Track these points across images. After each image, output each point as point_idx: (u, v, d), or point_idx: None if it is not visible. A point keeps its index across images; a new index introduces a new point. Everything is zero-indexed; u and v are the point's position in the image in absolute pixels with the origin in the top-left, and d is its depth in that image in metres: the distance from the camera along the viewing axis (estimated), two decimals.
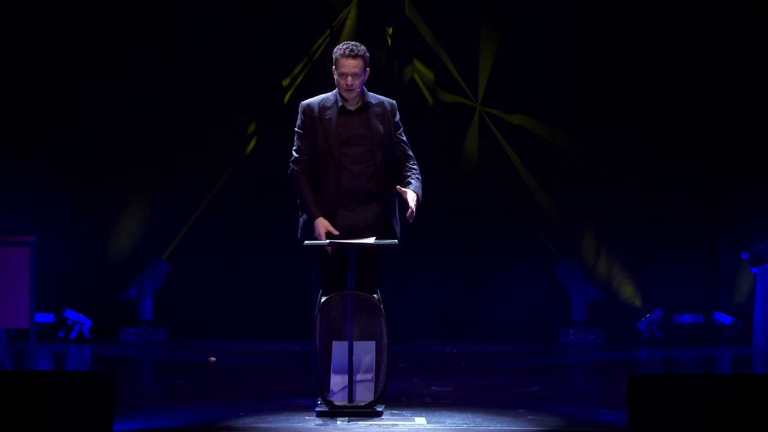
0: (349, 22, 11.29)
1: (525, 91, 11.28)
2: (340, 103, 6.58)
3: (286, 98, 11.25)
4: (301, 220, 6.67)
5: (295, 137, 6.65)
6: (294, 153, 6.64)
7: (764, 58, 11.14)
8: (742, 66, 11.14)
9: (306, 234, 6.58)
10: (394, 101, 6.73)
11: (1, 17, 11.03)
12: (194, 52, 11.26)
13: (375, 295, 6.36)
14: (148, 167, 11.27)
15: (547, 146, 11.33)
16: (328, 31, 11.24)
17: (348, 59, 6.51)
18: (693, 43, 11.15)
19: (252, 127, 11.34)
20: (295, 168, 6.63)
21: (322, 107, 6.59)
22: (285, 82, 11.32)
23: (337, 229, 6.51)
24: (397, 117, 6.68)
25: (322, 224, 6.47)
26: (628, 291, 11.31)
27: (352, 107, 6.59)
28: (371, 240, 6.37)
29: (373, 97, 6.64)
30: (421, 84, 11.25)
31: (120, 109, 11.18)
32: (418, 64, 11.26)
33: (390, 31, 11.26)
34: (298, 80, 11.29)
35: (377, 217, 6.58)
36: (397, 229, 6.65)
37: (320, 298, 6.35)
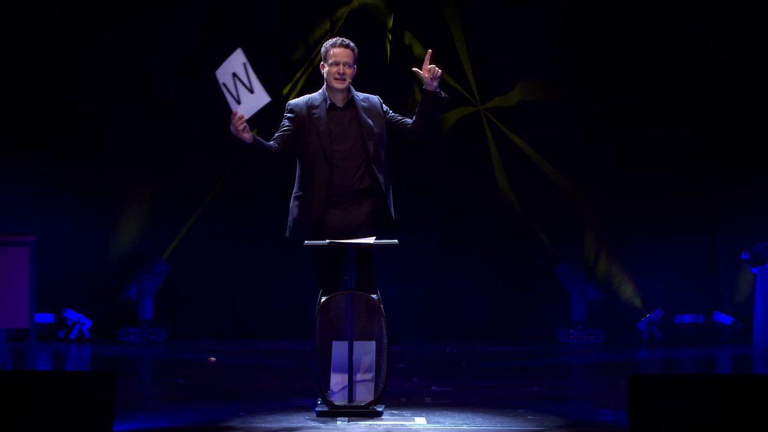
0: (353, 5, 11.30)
1: (512, 60, 11.29)
2: (328, 101, 6.60)
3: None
4: (290, 219, 6.67)
5: (278, 131, 6.65)
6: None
7: (764, 57, 11.14)
8: (744, 66, 11.15)
9: (295, 232, 6.59)
10: (378, 96, 6.75)
11: (1, 15, 11.04)
12: (195, 53, 11.27)
13: (375, 295, 6.36)
14: (149, 167, 11.28)
15: (548, 138, 11.34)
16: (328, 36, 11.25)
17: (340, 48, 6.59)
18: (694, 42, 11.15)
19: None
20: None
21: (310, 106, 6.62)
22: (285, 90, 11.33)
23: (330, 229, 6.51)
24: (386, 107, 6.72)
25: (231, 128, 6.41)
26: (628, 291, 11.31)
27: (339, 104, 6.61)
28: (371, 240, 6.37)
29: (359, 93, 6.68)
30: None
31: (120, 109, 11.18)
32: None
33: (390, 25, 11.27)
34: (299, 86, 11.29)
35: (369, 215, 6.59)
36: (392, 212, 6.64)
37: (320, 298, 6.35)
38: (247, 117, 6.37)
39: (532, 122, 11.36)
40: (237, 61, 6.28)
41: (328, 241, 6.37)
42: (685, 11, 11.14)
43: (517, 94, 11.37)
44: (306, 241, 6.44)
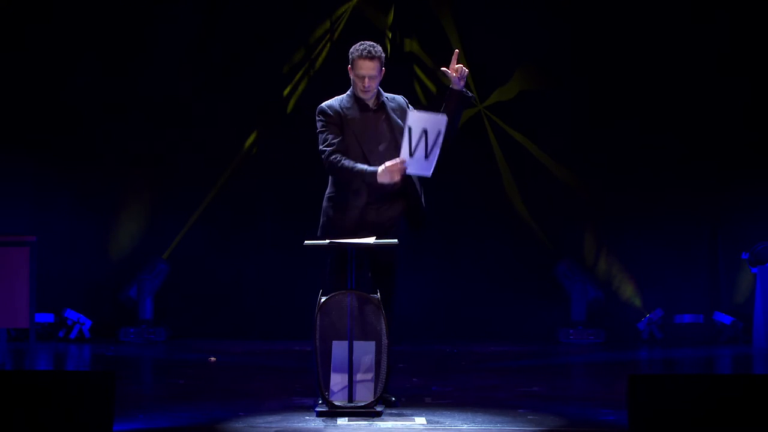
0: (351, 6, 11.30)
1: (509, 50, 11.28)
2: (360, 103, 6.59)
3: (290, 107, 11.28)
4: (323, 219, 6.66)
5: (322, 135, 6.58)
6: (326, 148, 6.54)
7: (764, 57, 11.14)
8: (745, 66, 11.15)
9: (328, 233, 6.56)
10: (402, 95, 6.76)
11: (2, 14, 11.04)
12: (196, 53, 11.27)
13: (375, 295, 6.37)
14: (149, 167, 11.28)
15: (547, 138, 11.34)
16: (328, 36, 11.25)
17: (365, 61, 6.51)
18: (695, 41, 11.15)
19: (252, 138, 11.32)
20: (335, 157, 6.51)
21: (344, 107, 6.59)
22: (285, 92, 11.33)
23: (364, 228, 6.50)
24: (411, 107, 6.72)
25: (387, 169, 6.39)
26: (628, 291, 11.31)
27: (372, 105, 6.59)
28: (371, 240, 6.37)
29: (386, 94, 6.67)
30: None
31: (120, 108, 11.18)
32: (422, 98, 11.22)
33: (390, 35, 11.27)
34: (300, 87, 11.29)
35: (403, 214, 6.62)
36: (425, 211, 6.67)
37: (320, 298, 6.36)
38: (406, 172, 6.37)
39: (533, 121, 11.36)
40: (435, 124, 6.32)
41: (328, 240, 6.38)
42: (685, 9, 11.13)
43: (516, 84, 11.35)
44: (306, 242, 6.44)
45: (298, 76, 11.32)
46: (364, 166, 6.45)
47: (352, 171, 6.46)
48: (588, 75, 11.23)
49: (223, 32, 11.29)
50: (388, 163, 6.36)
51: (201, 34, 11.27)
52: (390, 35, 11.29)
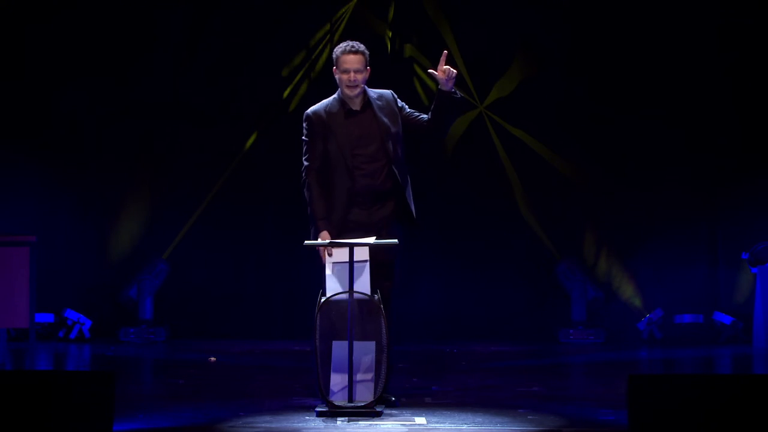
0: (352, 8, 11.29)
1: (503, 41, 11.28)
2: (346, 106, 6.59)
3: (292, 107, 11.28)
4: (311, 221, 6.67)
5: (304, 147, 6.65)
6: (306, 162, 6.65)
7: (763, 57, 11.14)
8: (742, 65, 11.14)
9: (315, 237, 6.58)
10: (391, 90, 6.75)
11: (2, 14, 11.04)
12: (196, 54, 11.27)
13: (375, 296, 6.37)
14: (149, 167, 11.28)
15: (547, 139, 11.35)
16: (328, 37, 11.25)
17: (349, 55, 6.55)
18: (693, 40, 11.15)
19: (252, 138, 11.32)
20: (307, 178, 6.62)
21: (329, 112, 6.61)
22: (285, 93, 11.32)
23: (355, 230, 6.51)
24: (400, 102, 6.73)
25: (324, 238, 6.49)
26: (628, 291, 11.30)
27: (356, 107, 6.60)
28: (371, 240, 6.38)
29: (373, 92, 6.68)
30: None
31: (121, 109, 11.18)
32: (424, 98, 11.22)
33: (389, 34, 11.27)
34: (301, 89, 11.29)
35: (393, 214, 6.63)
36: (413, 210, 6.68)
37: (320, 299, 6.36)
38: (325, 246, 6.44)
39: (533, 121, 11.35)
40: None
41: (328, 241, 6.39)
42: (684, 9, 11.13)
43: (515, 75, 11.33)
44: (306, 242, 6.44)
45: (298, 78, 11.32)
46: (319, 215, 6.52)
47: (310, 204, 6.59)
48: (588, 75, 11.23)
49: (223, 33, 11.29)
50: (324, 241, 6.43)
51: (201, 34, 11.27)
52: (390, 34, 11.28)
